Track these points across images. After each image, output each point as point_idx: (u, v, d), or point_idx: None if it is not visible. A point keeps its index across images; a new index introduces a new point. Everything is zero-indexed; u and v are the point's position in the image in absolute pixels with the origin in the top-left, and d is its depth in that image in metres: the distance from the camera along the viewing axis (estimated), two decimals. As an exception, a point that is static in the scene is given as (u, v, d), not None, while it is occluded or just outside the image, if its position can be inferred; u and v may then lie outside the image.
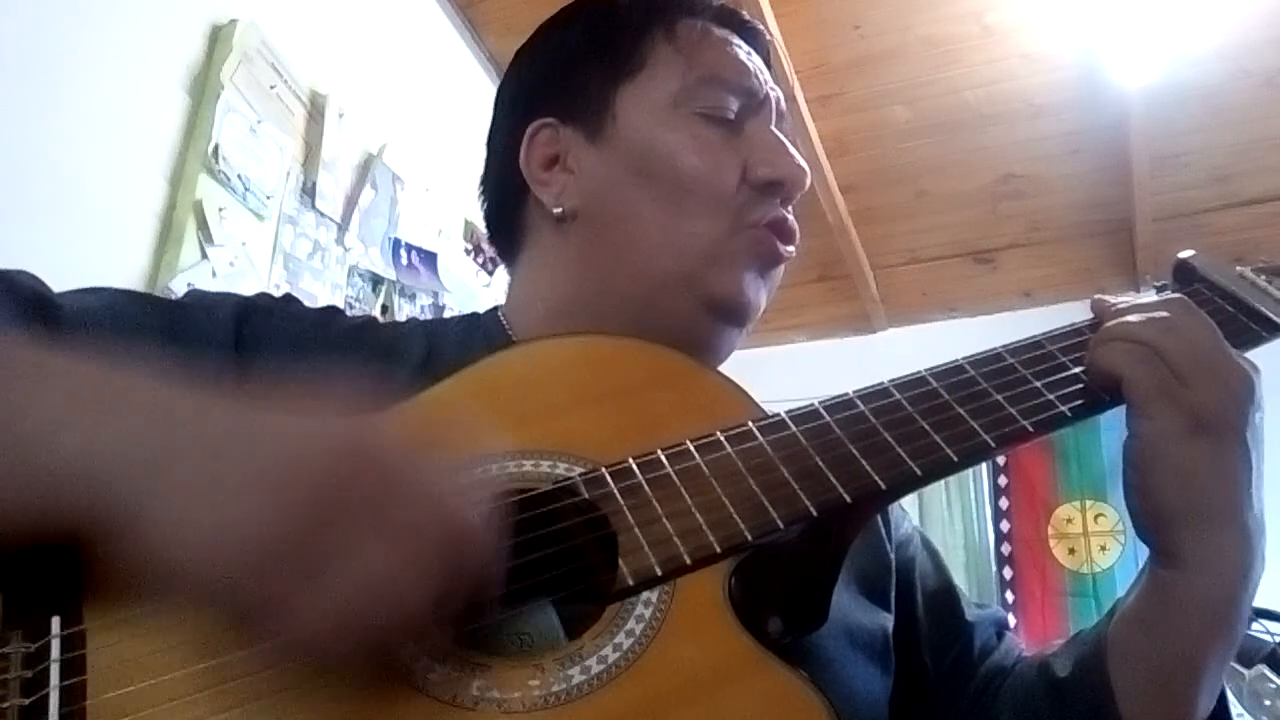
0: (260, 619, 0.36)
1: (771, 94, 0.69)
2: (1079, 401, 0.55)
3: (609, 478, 0.48)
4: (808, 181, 0.67)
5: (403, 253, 2.24)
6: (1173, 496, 0.53)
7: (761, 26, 0.75)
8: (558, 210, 0.67)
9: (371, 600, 0.36)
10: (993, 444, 0.52)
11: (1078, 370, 0.56)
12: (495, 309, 0.73)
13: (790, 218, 0.67)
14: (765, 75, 0.70)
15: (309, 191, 1.95)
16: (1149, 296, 0.59)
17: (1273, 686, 1.32)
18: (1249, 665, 1.33)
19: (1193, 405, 0.52)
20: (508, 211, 0.73)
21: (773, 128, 0.68)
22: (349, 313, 0.70)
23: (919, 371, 0.56)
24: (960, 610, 0.73)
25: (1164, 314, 0.55)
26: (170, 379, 0.42)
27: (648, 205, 0.65)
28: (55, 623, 0.39)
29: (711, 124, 0.66)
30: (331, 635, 0.36)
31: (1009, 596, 3.26)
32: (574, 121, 0.68)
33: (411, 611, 0.36)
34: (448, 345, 0.67)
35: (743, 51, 0.69)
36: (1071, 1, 2.47)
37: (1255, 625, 1.39)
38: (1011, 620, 3.27)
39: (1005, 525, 3.36)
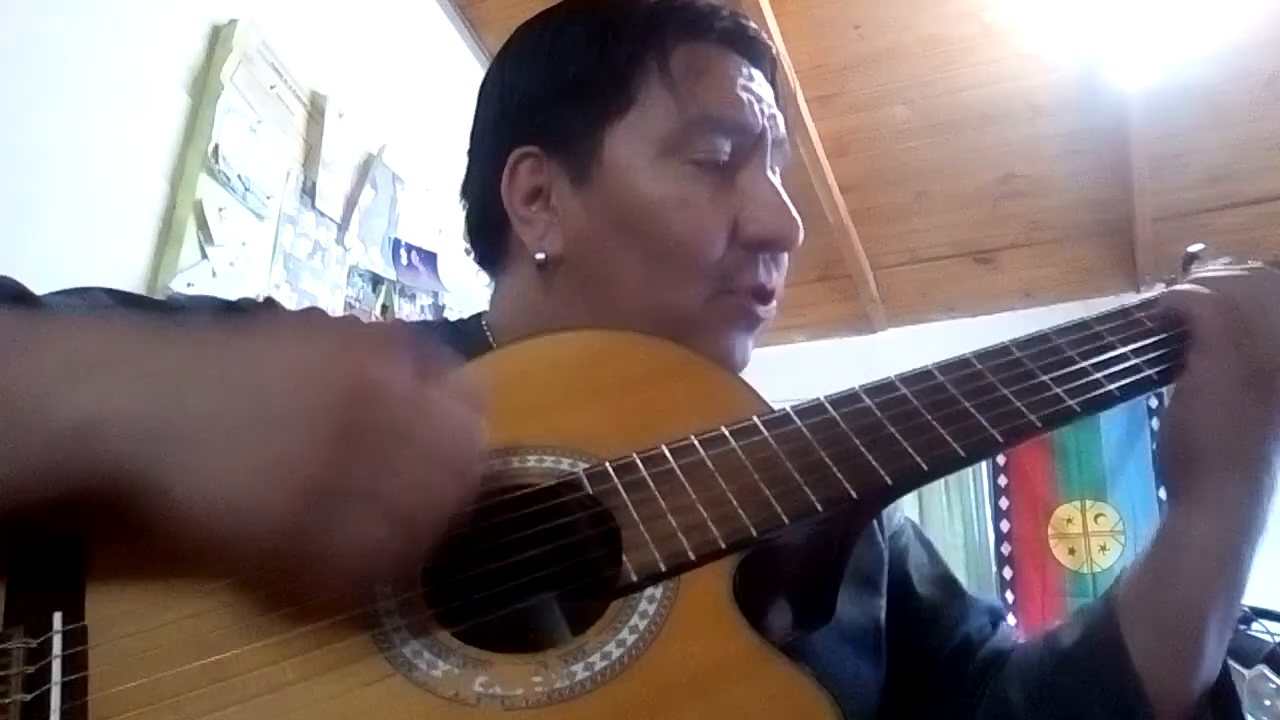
0: (320, 545, 0.38)
1: (768, 127, 0.66)
2: (1085, 395, 0.55)
3: (612, 473, 0.48)
4: (800, 237, 0.65)
5: (403, 253, 2.24)
6: (1209, 434, 0.55)
7: (767, 40, 0.71)
8: (540, 256, 0.66)
9: (416, 499, 0.39)
10: (999, 438, 0.52)
11: (1085, 364, 0.56)
12: (479, 316, 0.73)
13: (771, 283, 0.65)
14: (765, 101, 0.67)
15: (309, 191, 1.95)
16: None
17: (1273, 686, 1.32)
18: (1249, 665, 1.33)
19: (1254, 356, 0.55)
20: (489, 232, 0.71)
21: (768, 171, 0.66)
22: (349, 313, 0.70)
23: (925, 366, 0.56)
24: (961, 595, 0.73)
25: (1243, 272, 0.58)
26: (169, 327, 0.42)
27: (631, 266, 0.63)
28: (57, 618, 0.38)
29: (702, 173, 0.63)
30: (390, 539, 0.38)
31: (1009, 596, 3.27)
32: (559, 156, 0.66)
33: (447, 508, 0.40)
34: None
35: (741, 78, 0.66)
36: (1071, 2, 2.47)
37: (1255, 625, 1.39)
38: (1011, 620, 3.28)
39: (1005, 525, 3.36)
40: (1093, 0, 2.43)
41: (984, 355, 0.56)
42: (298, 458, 0.37)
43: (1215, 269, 0.59)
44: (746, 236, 0.64)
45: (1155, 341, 0.58)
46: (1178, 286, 0.58)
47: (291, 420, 0.38)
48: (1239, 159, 2.92)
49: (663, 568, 0.44)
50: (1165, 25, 2.43)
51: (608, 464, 0.49)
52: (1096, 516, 3.24)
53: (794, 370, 3.34)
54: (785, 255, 0.67)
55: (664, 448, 0.49)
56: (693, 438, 0.50)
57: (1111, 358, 0.57)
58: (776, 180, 0.67)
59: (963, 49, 2.64)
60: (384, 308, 2.16)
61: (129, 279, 1.56)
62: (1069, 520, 3.28)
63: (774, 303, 0.67)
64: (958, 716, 0.67)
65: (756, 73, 0.68)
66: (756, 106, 0.66)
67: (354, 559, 0.38)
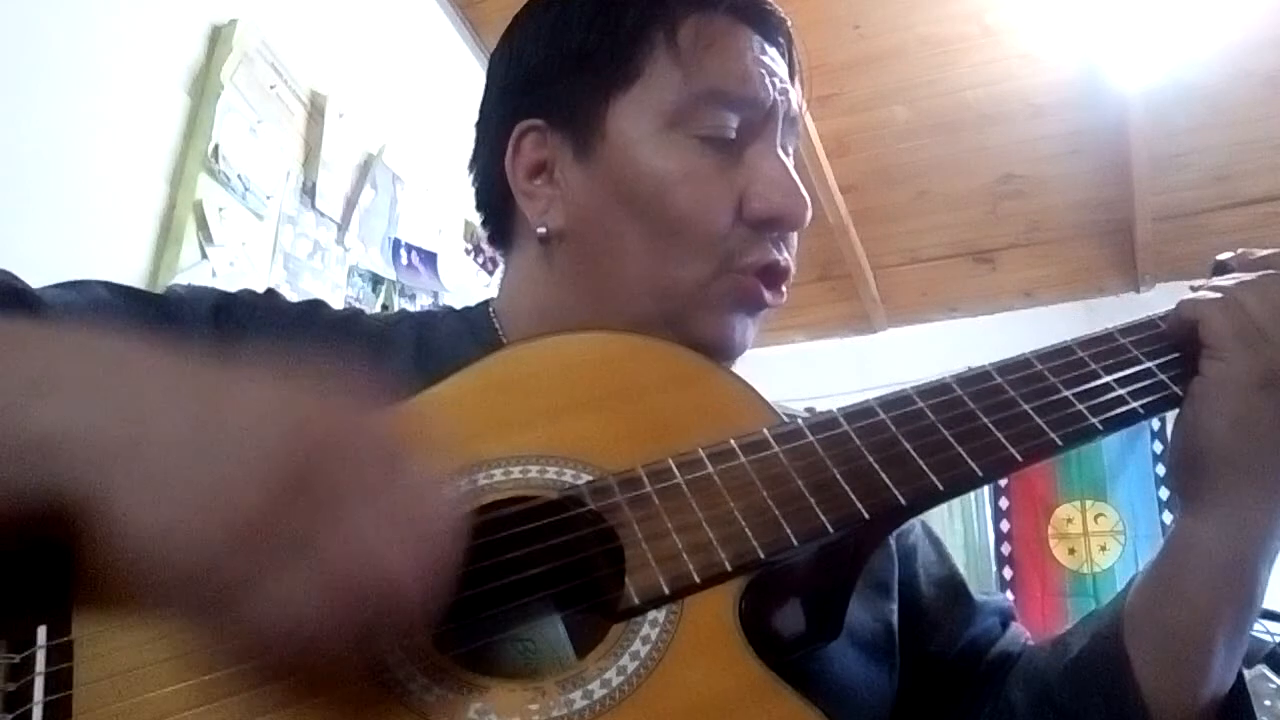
0: (224, 607, 0.33)
1: (779, 101, 0.64)
2: (1109, 413, 0.53)
3: (616, 488, 0.46)
4: (808, 216, 0.63)
5: (403, 253, 2.24)
6: (1222, 439, 0.53)
7: (781, 14, 0.69)
8: (541, 230, 0.64)
9: (341, 590, 0.34)
10: (1020, 458, 0.50)
11: (1109, 379, 0.54)
12: (486, 304, 0.71)
13: (783, 259, 0.64)
14: (777, 75, 0.65)
15: (309, 191, 1.94)
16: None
17: (1273, 686, 1.32)
18: (1249, 665, 1.33)
19: (1272, 357, 0.53)
20: (496, 207, 0.70)
21: (777, 148, 0.64)
22: (351, 307, 0.69)
23: (944, 378, 0.54)
24: (966, 598, 0.72)
25: (1254, 276, 0.56)
26: (151, 348, 0.40)
27: (634, 240, 0.62)
28: (41, 633, 0.37)
29: (708, 148, 0.62)
30: (301, 625, 0.33)
31: (1009, 596, 3.26)
32: (563, 129, 0.65)
33: (384, 604, 0.34)
34: (439, 338, 0.66)
35: (752, 50, 0.64)
36: (1072, 2, 2.47)
37: (1255, 625, 1.39)
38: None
39: (1005, 525, 3.35)
40: (1093, 0, 2.43)
41: (1004, 368, 0.54)
42: (238, 496, 0.34)
43: (1235, 276, 0.57)
44: (752, 214, 0.62)
45: (1171, 349, 0.56)
46: (1182, 302, 0.57)
47: (243, 458, 0.35)
48: (1239, 159, 2.91)
49: (666, 591, 0.42)
50: (1165, 25, 2.42)
51: (611, 478, 0.47)
52: (1096, 516, 3.24)
53: (794, 370, 3.35)
54: (794, 235, 0.66)
55: (670, 461, 0.48)
56: (700, 451, 0.48)
57: (1137, 372, 0.55)
58: (787, 158, 0.65)
59: (963, 49, 2.64)
60: (384, 307, 2.16)
61: (129, 279, 1.54)
62: (1069, 520, 3.28)
63: (783, 287, 0.65)
64: (964, 718, 0.67)
65: (770, 47, 0.66)
66: (767, 80, 0.64)
67: (273, 619, 0.33)
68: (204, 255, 1.65)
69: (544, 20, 0.68)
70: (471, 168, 0.72)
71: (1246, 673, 1.33)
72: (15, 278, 0.55)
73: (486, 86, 0.72)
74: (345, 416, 0.37)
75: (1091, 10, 2.45)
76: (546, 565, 0.44)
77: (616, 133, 0.63)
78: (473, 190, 0.73)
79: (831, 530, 0.46)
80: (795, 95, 0.67)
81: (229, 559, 0.33)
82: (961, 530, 3.38)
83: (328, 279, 1.98)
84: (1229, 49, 2.55)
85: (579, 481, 0.47)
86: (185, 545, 0.33)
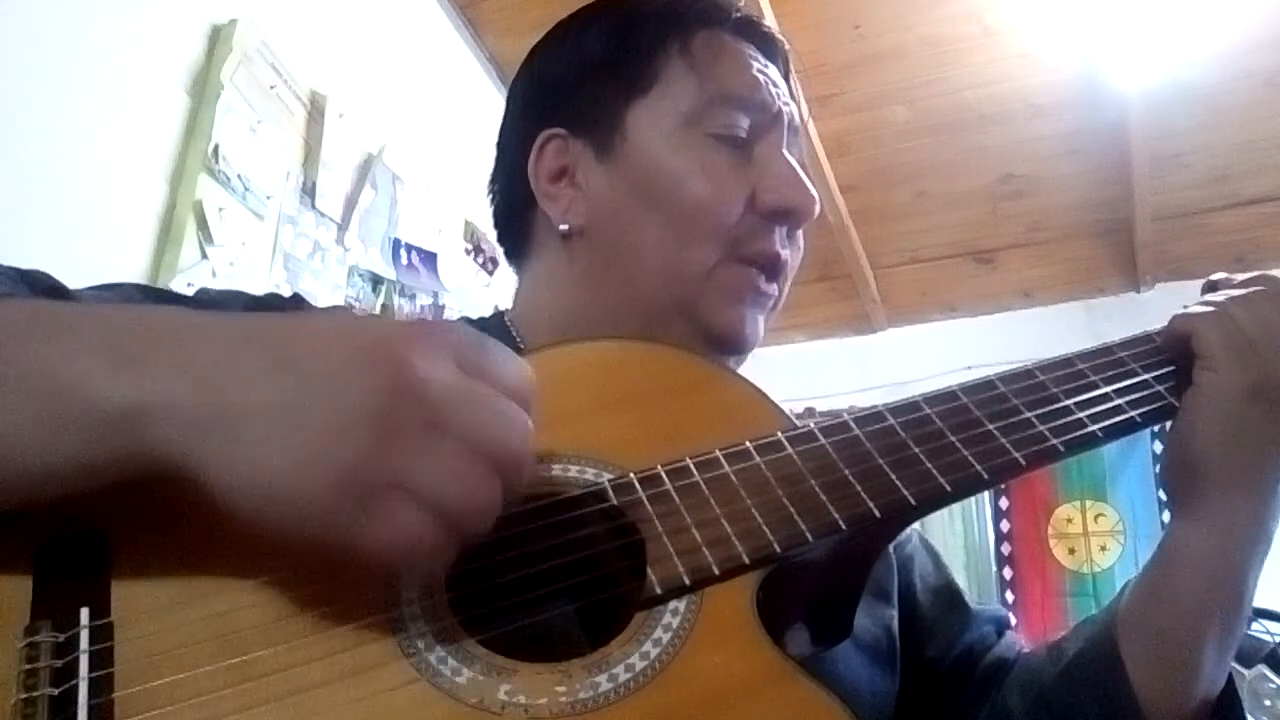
0: (354, 535, 0.37)
1: (784, 110, 0.69)
2: (1109, 421, 0.55)
3: (638, 484, 0.48)
4: (816, 209, 0.67)
5: (403, 253, 2.24)
6: (1214, 447, 0.55)
7: (781, 38, 0.75)
8: (563, 228, 0.68)
9: (455, 493, 0.38)
10: (1022, 462, 0.52)
11: (1108, 389, 0.57)
12: (501, 314, 0.73)
13: (783, 253, 0.67)
14: (780, 89, 0.70)
15: (309, 191, 1.95)
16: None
17: (1273, 686, 1.32)
18: (1249, 665, 1.33)
19: (1261, 369, 0.55)
20: (515, 216, 0.73)
21: (784, 150, 0.68)
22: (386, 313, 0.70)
23: (949, 387, 0.56)
24: (962, 606, 0.74)
25: (1243, 292, 0.58)
26: (203, 314, 0.42)
27: (652, 230, 0.65)
28: (84, 614, 0.39)
29: (721, 145, 0.66)
30: (426, 532, 0.37)
31: (1009, 596, 3.26)
32: (584, 135, 0.68)
33: (490, 504, 0.39)
34: None
35: (758, 64, 0.69)
36: (1072, 2, 2.47)
37: (1255, 625, 1.39)
38: (1011, 620, 3.27)
39: (1005, 525, 3.36)
40: (1093, 0, 2.43)
41: (1008, 378, 0.57)
42: (335, 447, 0.37)
43: (1225, 292, 0.60)
44: (764, 206, 0.65)
45: (1166, 362, 0.59)
46: (1175, 316, 0.59)
47: (331, 408, 0.37)
48: (1239, 159, 2.92)
49: (687, 581, 0.44)
50: (1165, 26, 2.43)
51: (633, 475, 0.48)
52: (1096, 516, 3.24)
53: (794, 370, 3.35)
54: (800, 233, 0.69)
55: (689, 460, 0.49)
56: (717, 452, 0.50)
57: (1134, 384, 0.58)
58: (792, 158, 0.68)
59: (963, 49, 2.64)
60: (384, 307, 2.16)
61: (129, 279, 1.55)
62: (1069, 520, 3.28)
63: (783, 281, 0.68)
64: None
65: (770, 65, 0.71)
66: (772, 89, 0.69)
67: (388, 550, 0.37)
68: (204, 255, 1.65)
69: (565, 38, 0.73)
70: (491, 186, 0.76)
71: (1246, 673, 1.34)
72: (53, 278, 0.56)
73: (507, 108, 0.75)
74: (417, 352, 0.39)
75: (1091, 10, 2.46)
76: (569, 557, 0.45)
77: (635, 132, 0.67)
78: (490, 208, 0.76)
79: (844, 527, 0.47)
80: (796, 111, 0.71)
81: (334, 506, 0.37)
82: (962, 530, 3.38)
83: (328, 279, 1.98)
84: (1229, 49, 2.55)
85: (600, 479, 0.49)
86: (295, 502, 0.37)
